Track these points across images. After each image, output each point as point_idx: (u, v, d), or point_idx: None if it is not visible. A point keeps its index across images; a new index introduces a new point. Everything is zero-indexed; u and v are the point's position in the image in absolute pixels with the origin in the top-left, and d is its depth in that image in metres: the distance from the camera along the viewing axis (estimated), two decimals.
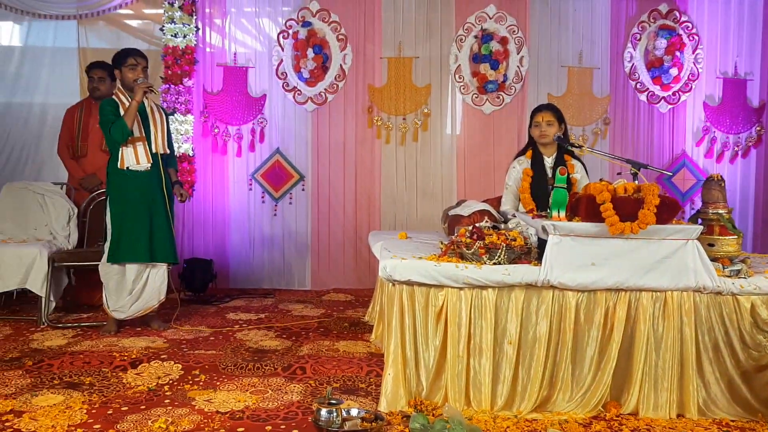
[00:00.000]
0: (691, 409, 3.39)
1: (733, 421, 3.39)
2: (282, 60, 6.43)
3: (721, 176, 3.68)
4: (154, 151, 4.74)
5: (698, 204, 6.07)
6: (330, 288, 6.50)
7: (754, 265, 3.75)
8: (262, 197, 6.51)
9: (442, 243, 3.94)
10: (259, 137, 6.45)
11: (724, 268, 3.48)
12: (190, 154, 6.19)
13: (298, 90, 6.45)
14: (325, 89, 6.48)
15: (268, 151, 6.49)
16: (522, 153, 4.46)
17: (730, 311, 3.45)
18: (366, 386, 3.73)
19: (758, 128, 6.70)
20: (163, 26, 6.17)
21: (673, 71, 6.53)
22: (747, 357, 3.46)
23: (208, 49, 6.39)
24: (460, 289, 3.43)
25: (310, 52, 6.37)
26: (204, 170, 6.39)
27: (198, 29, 6.25)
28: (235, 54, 6.42)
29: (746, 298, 3.45)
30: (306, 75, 6.42)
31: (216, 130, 6.38)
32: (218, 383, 3.75)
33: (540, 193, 4.18)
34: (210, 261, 6.14)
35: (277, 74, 6.43)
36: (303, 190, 6.55)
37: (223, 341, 4.60)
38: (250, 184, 6.49)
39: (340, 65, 6.48)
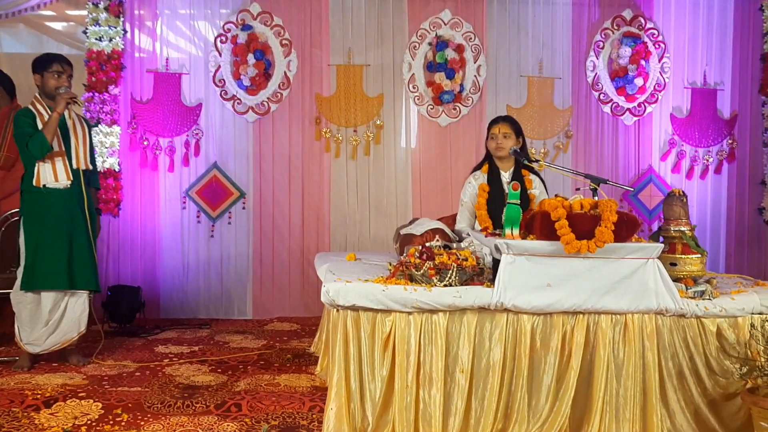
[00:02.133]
0: None
1: None
2: (220, 66, 6.44)
3: (683, 191, 3.80)
4: (74, 166, 4.69)
5: None
6: (273, 317, 6.48)
7: (720, 285, 3.88)
8: (198, 217, 6.47)
9: (390, 264, 3.98)
10: (194, 150, 6.43)
11: (687, 289, 3.59)
12: (116, 170, 6.13)
13: (238, 99, 6.46)
14: (268, 98, 6.51)
15: (204, 166, 6.47)
16: (478, 168, 4.55)
17: (694, 335, 3.56)
18: (308, 423, 3.73)
19: (730, 141, 6.93)
20: (87, 29, 6.13)
21: (638, 81, 6.73)
22: (714, 384, 3.57)
23: (137, 54, 6.37)
24: (409, 313, 3.47)
25: (251, 58, 6.40)
26: (132, 187, 6.33)
27: (126, 32, 6.23)
28: (167, 59, 6.40)
29: (711, 320, 3.57)
30: (246, 82, 6.44)
31: (145, 143, 6.34)
32: (142, 423, 3.70)
33: (497, 209, 4.25)
34: (138, 288, 6.07)
35: (214, 81, 6.44)
36: (243, 208, 6.53)
37: (150, 377, 4.54)
38: (184, 203, 6.45)
39: (284, 72, 6.52)
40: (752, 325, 3.48)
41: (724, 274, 4.69)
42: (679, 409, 3.54)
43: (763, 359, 3.36)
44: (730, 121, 6.94)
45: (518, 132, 4.44)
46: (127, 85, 6.28)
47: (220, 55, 6.44)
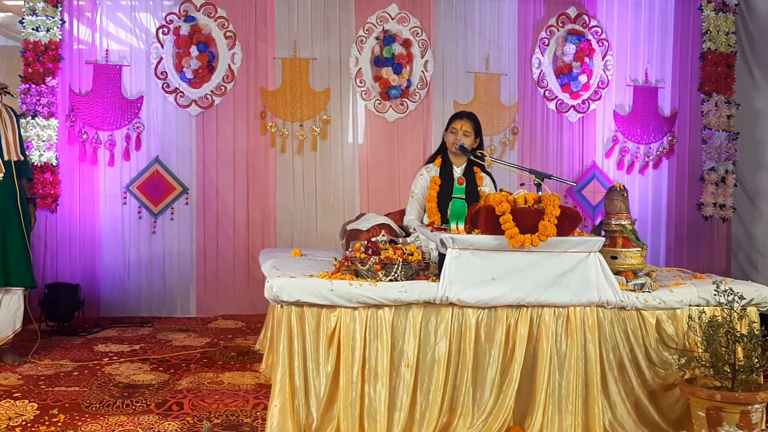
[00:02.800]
0: None
1: None
2: (162, 58, 6.32)
3: (623, 186, 3.88)
4: (6, 158, 4.55)
5: None
6: (218, 314, 6.40)
7: (659, 278, 3.98)
8: (139, 212, 6.35)
9: (336, 260, 3.97)
10: (135, 144, 6.31)
11: (627, 282, 3.67)
12: (54, 164, 5.97)
13: (181, 92, 6.36)
14: (212, 91, 6.42)
15: (146, 160, 6.35)
16: (431, 160, 4.56)
17: (634, 327, 3.64)
18: (251, 421, 3.70)
19: (670, 138, 7.11)
20: (24, 18, 5.96)
21: (583, 78, 6.86)
22: (653, 375, 3.66)
23: (76, 45, 6.22)
24: (355, 309, 3.47)
25: (193, 50, 6.30)
26: (70, 182, 6.18)
27: (64, 22, 6.08)
28: (107, 51, 6.26)
29: (651, 313, 3.65)
30: (189, 75, 6.34)
31: (84, 136, 6.19)
32: (80, 423, 3.62)
33: (447, 203, 4.27)
34: (76, 286, 5.93)
35: (156, 74, 6.32)
36: (186, 204, 6.43)
37: (88, 376, 4.45)
38: (125, 198, 6.32)
39: (229, 65, 6.44)
40: (690, 317, 3.57)
41: (663, 268, 4.81)
42: (620, 401, 3.62)
43: (700, 350, 3.45)
44: (670, 118, 7.12)
45: (478, 132, 4.45)
46: (65, 76, 6.12)
47: (162, 47, 6.32)
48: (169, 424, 3.61)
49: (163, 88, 6.34)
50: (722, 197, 7.04)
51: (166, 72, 6.33)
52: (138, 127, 6.31)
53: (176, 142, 6.41)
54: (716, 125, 7.00)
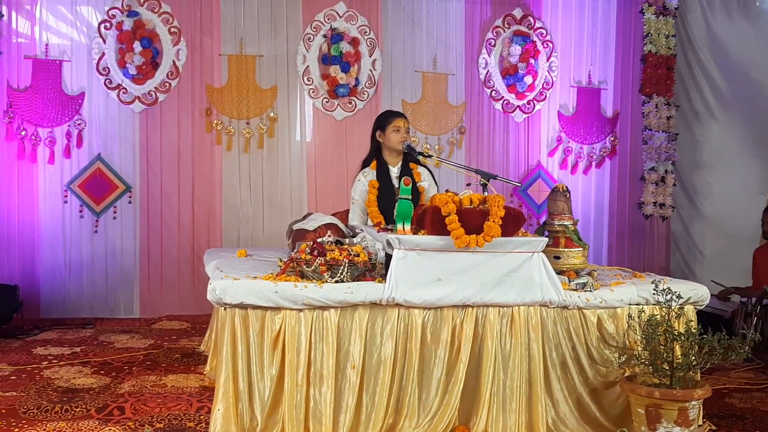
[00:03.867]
0: (540, 430, 3.56)
1: None
2: (104, 53, 6.17)
3: (566, 187, 3.92)
4: None
5: None
6: (162, 315, 6.29)
7: (600, 277, 4.03)
8: (81, 211, 6.19)
9: (281, 260, 3.92)
10: (76, 141, 6.15)
11: (570, 282, 3.71)
12: None
13: (124, 88, 6.22)
14: (156, 88, 6.29)
15: (88, 158, 6.20)
16: (366, 164, 4.54)
17: (576, 326, 3.68)
18: (195, 425, 3.63)
19: (612, 138, 7.24)
20: None
21: (528, 79, 6.93)
22: (595, 373, 3.70)
23: (14, 39, 6.04)
24: (300, 310, 3.43)
25: (137, 46, 6.17)
26: (8, 180, 6.00)
27: (2, 15, 5.90)
28: (47, 45, 6.08)
29: (592, 312, 3.70)
30: (133, 71, 6.20)
31: (23, 133, 6.01)
32: (16, 430, 3.50)
33: (388, 205, 4.27)
34: (15, 287, 5.75)
35: (98, 69, 6.17)
36: (130, 202, 6.30)
37: (26, 381, 4.31)
38: (66, 196, 6.16)
39: (173, 61, 6.31)
40: (630, 316, 3.63)
41: (604, 267, 4.89)
42: (562, 398, 3.66)
43: (640, 348, 3.51)
44: (612, 119, 7.25)
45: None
46: (2, 71, 5.96)
47: (105, 42, 6.17)
48: (109, 430, 3.52)
49: (105, 84, 6.19)
50: (662, 196, 7.21)
51: (108, 68, 6.18)
52: (79, 124, 6.15)
53: (119, 139, 6.27)
54: (656, 126, 7.16)
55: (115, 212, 6.27)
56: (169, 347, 5.19)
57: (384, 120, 4.44)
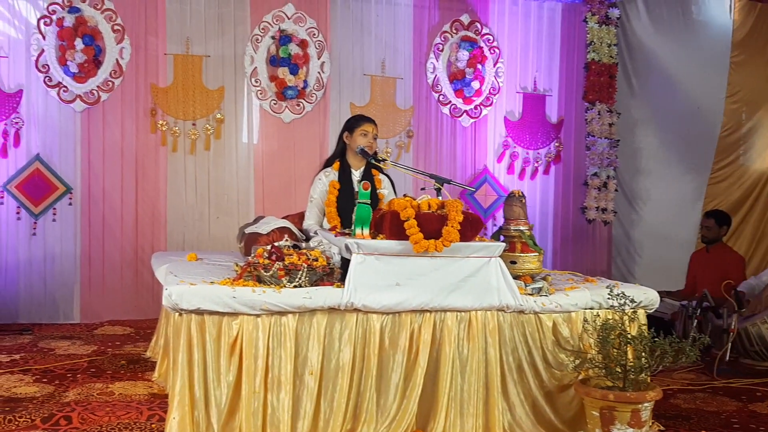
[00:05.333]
0: None
1: None
2: (43, 50, 5.96)
3: (522, 192, 3.98)
4: None
5: (500, 221, 6.53)
6: (104, 320, 6.12)
7: (554, 282, 4.10)
8: (18, 213, 5.97)
9: (237, 265, 3.85)
10: (13, 140, 5.93)
11: (526, 286, 3.75)
12: None
13: (64, 86, 6.02)
14: (98, 86, 6.12)
15: (26, 158, 5.99)
16: (329, 164, 4.50)
17: (533, 330, 3.73)
18: None
19: (557, 144, 7.38)
20: None
21: (475, 84, 7.00)
22: (550, 376, 3.76)
23: None
24: (257, 316, 3.38)
25: (78, 43, 5.99)
26: None
27: None
28: None
29: (548, 316, 3.75)
30: (74, 69, 6.01)
31: None
32: None
33: (347, 207, 4.24)
34: None
35: (37, 66, 5.96)
36: (70, 204, 6.10)
37: None
38: (2, 197, 5.94)
39: (116, 60, 6.15)
40: (585, 320, 3.70)
41: (557, 271, 4.97)
42: (518, 402, 3.70)
43: (594, 352, 3.58)
44: (557, 125, 7.39)
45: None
46: None
47: (44, 38, 5.96)
48: None
49: (44, 81, 5.99)
50: (604, 201, 7.38)
51: (48, 65, 5.97)
52: (17, 123, 5.93)
53: (59, 139, 6.07)
54: (599, 133, 7.33)
55: (54, 214, 6.06)
56: (114, 353, 5.04)
57: (354, 123, 4.41)
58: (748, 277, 5.99)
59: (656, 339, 3.43)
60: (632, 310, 3.66)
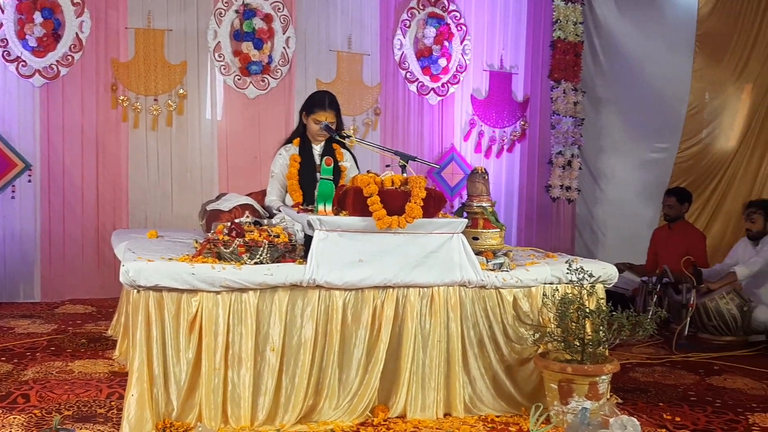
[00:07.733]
0: (458, 407, 3.64)
1: (498, 416, 3.69)
2: (2, 24, 5.85)
3: (484, 169, 3.99)
4: None
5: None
6: (65, 299, 6.05)
7: (516, 258, 4.13)
8: None
9: (197, 242, 3.82)
10: None
11: (487, 262, 3.78)
12: None
13: (23, 60, 5.90)
14: (58, 61, 6.00)
15: None
16: (289, 141, 4.47)
17: (493, 305, 3.76)
18: (106, 411, 3.50)
19: (522, 123, 7.41)
20: None
21: (442, 62, 6.99)
22: (510, 351, 3.80)
23: None
24: (217, 293, 3.35)
25: (37, 16, 5.86)
26: None
27: None
28: None
29: (509, 291, 3.78)
30: (33, 43, 5.89)
31: None
32: None
33: (308, 181, 4.23)
34: None
35: None
36: (29, 181, 6.01)
37: None
38: None
39: (76, 34, 6.03)
40: (544, 294, 3.74)
41: (519, 247, 5.01)
42: (479, 376, 3.73)
43: (553, 326, 3.62)
44: (523, 103, 7.42)
45: (339, 115, 4.39)
46: None
47: (2, 12, 5.82)
48: (14, 418, 3.35)
49: (3, 56, 5.86)
50: (568, 179, 7.45)
51: (6, 39, 5.85)
52: None
53: (17, 114, 5.96)
54: (564, 111, 7.37)
55: (13, 191, 5.96)
56: (75, 332, 4.99)
57: (310, 106, 4.34)
58: (709, 254, 6.09)
59: (614, 313, 3.49)
60: (591, 285, 3.71)
